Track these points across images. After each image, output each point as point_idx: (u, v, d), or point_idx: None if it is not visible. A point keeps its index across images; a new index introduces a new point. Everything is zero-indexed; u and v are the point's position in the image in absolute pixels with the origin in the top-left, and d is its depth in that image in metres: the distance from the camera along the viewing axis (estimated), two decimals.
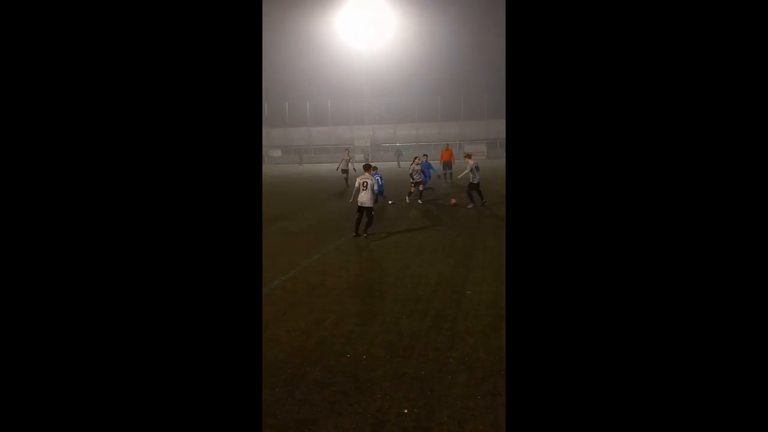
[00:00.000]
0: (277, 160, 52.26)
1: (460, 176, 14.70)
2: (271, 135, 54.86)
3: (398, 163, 37.92)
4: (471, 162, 12.59)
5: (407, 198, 14.13)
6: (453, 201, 13.49)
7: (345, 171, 17.74)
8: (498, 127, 46.64)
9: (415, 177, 13.88)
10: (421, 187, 14.06)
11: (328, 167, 34.34)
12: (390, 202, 13.77)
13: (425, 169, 14.87)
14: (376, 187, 8.89)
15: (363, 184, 8.67)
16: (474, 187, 12.64)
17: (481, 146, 45.04)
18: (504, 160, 30.84)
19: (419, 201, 13.87)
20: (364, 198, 8.66)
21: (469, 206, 12.43)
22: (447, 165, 19.17)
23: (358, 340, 4.36)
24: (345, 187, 17.26)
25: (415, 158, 14.14)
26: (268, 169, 38.40)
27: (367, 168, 9.15)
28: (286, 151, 52.72)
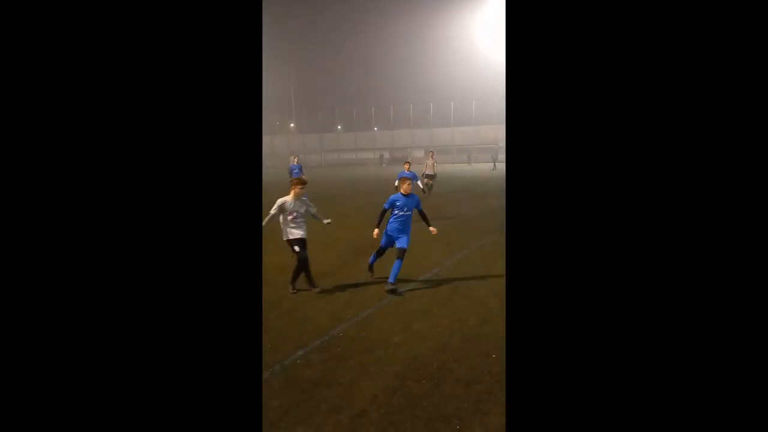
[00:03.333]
0: (419, 159, 53.18)
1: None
2: (415, 136, 56.09)
3: (494, 165, 35.59)
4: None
5: None
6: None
7: (429, 176, 14.96)
8: None
9: None
10: None
11: (478, 167, 34.06)
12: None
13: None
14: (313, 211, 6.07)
15: (292, 215, 5.81)
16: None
17: None
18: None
19: None
20: (298, 232, 5.86)
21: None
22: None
23: (503, 342, 4.32)
24: (427, 192, 14.71)
25: None
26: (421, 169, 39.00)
27: (302, 183, 5.94)
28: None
